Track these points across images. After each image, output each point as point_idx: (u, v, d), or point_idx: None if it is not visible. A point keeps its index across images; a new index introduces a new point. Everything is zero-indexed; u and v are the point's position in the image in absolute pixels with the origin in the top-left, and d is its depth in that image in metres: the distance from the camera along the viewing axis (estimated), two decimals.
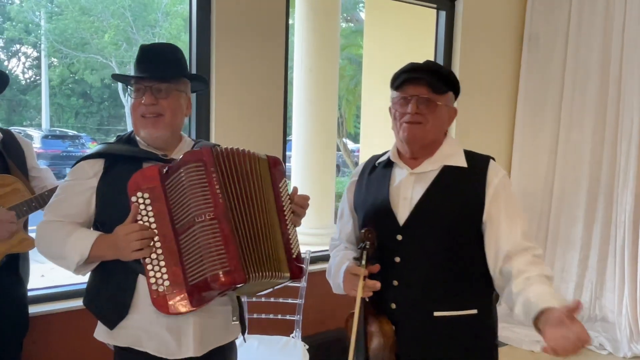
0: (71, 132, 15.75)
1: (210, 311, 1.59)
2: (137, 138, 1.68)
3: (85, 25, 15.51)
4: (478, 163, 1.64)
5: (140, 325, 1.56)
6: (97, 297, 1.62)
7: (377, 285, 1.54)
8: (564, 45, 4.12)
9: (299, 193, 1.68)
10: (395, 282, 1.59)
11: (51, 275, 4.24)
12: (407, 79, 1.59)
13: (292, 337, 2.76)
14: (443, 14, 3.95)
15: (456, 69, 3.97)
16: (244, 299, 2.78)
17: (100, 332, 1.62)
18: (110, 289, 1.58)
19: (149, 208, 1.48)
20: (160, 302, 1.47)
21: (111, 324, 1.57)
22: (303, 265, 1.63)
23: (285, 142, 3.23)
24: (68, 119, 17.51)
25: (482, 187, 1.59)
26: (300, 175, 6.24)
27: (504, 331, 3.96)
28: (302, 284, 2.78)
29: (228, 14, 2.95)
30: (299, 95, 6.13)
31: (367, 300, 1.61)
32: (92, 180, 1.59)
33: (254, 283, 1.47)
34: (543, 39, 4.21)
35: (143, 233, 1.46)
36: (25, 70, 17.40)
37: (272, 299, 2.78)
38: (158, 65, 1.62)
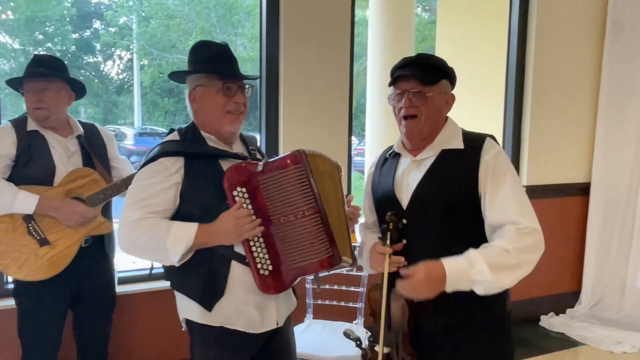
0: (160, 130, 16.68)
1: None
2: (203, 133, 1.78)
3: (173, 28, 16.35)
4: (474, 143, 1.73)
5: (233, 305, 1.71)
6: (190, 281, 1.72)
7: (402, 260, 1.69)
8: None
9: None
10: (406, 263, 1.70)
11: (142, 262, 4.57)
12: (399, 75, 1.72)
13: (355, 323, 2.83)
14: (516, 3, 3.83)
15: (530, 60, 3.84)
16: (307, 286, 2.89)
17: (196, 314, 1.73)
18: (204, 273, 1.70)
19: (248, 201, 1.67)
20: (265, 284, 1.70)
21: (209, 305, 1.70)
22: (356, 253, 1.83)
23: (350, 135, 3.28)
24: (158, 117, 18.52)
25: (475, 164, 1.68)
26: None
27: (582, 331, 3.84)
28: (364, 272, 2.84)
29: (295, 13, 3.08)
30: (373, 89, 6.13)
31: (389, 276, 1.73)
32: (176, 177, 1.68)
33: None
34: (628, 25, 3.96)
35: (251, 218, 1.66)
36: (120, 72, 18.59)
37: (335, 287, 2.86)
38: (237, 67, 1.79)
